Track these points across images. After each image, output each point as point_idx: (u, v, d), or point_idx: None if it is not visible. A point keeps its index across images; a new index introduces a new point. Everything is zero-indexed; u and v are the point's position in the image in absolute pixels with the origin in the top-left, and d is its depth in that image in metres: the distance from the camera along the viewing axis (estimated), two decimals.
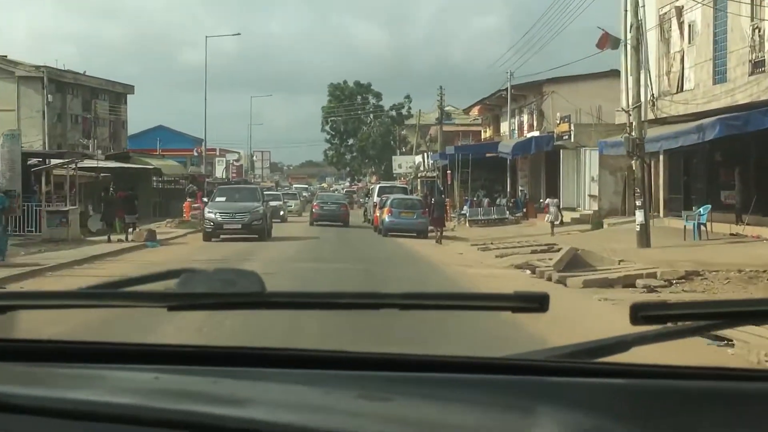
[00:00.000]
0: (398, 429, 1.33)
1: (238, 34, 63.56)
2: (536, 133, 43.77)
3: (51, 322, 6.48)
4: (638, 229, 21.86)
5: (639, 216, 22.04)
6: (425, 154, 59.31)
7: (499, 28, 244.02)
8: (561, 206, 36.15)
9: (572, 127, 36.85)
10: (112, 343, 1.74)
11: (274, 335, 8.82)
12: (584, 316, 12.16)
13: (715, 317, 1.73)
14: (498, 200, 43.47)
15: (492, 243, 27.15)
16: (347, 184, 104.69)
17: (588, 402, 1.42)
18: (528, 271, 18.67)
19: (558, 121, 38.45)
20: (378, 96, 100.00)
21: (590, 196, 36.53)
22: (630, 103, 22.49)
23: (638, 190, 22.60)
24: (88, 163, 41.27)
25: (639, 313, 1.55)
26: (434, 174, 53.85)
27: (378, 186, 48.30)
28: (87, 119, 77.66)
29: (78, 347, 1.76)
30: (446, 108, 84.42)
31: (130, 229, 28.82)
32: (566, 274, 16.03)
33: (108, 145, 62.47)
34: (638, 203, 22.35)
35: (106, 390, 1.42)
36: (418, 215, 34.44)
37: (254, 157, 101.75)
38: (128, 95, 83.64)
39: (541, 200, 39.55)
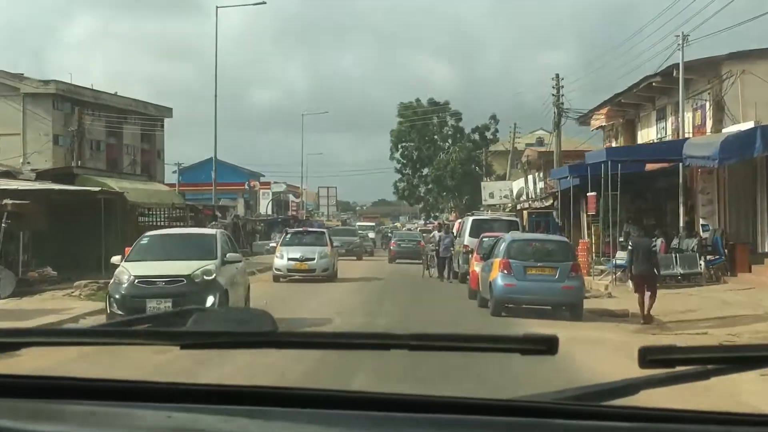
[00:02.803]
0: None
1: (264, 2, 47.75)
2: (730, 129, 26.20)
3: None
4: None
5: None
6: (532, 176, 41.67)
7: (570, 63, 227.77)
8: None
9: None
10: (124, 381, 1.75)
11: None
12: None
13: (723, 361, 1.73)
14: (678, 242, 25.87)
15: None
16: (421, 222, 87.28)
17: None
18: None
19: None
20: (456, 116, 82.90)
21: None
22: None
23: None
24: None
25: (647, 357, 1.55)
26: (549, 203, 36.10)
27: (471, 219, 30.07)
28: (112, 146, 63.83)
29: (90, 385, 1.74)
30: (538, 132, 67.04)
31: None
32: None
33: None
34: None
35: (119, 428, 1.43)
36: (564, 273, 17.31)
37: (304, 187, 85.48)
38: (165, 119, 69.72)
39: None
